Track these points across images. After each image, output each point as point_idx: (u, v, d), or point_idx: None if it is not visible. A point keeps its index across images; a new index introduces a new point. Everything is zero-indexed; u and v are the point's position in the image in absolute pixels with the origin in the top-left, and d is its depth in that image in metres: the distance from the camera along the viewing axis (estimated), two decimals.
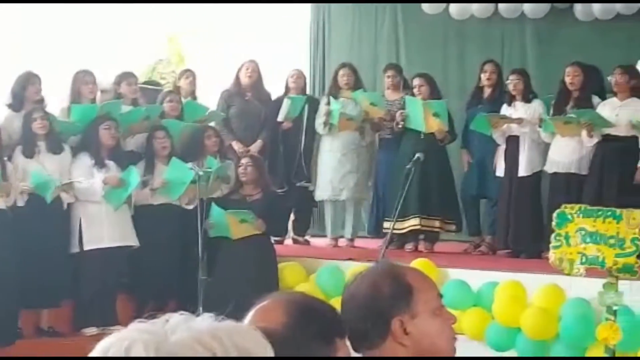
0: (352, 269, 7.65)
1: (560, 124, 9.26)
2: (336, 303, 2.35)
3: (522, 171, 9.54)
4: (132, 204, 8.71)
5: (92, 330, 8.34)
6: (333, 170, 10.21)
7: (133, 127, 9.21)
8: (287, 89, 10.49)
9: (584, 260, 6.61)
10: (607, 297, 6.52)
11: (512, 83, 9.63)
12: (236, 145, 10.05)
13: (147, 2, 13.06)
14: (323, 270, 8.96)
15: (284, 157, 10.36)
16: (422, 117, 9.68)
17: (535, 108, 9.54)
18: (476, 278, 8.39)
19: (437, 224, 9.87)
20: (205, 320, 1.36)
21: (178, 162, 8.81)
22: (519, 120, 9.47)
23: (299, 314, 2.01)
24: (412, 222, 9.74)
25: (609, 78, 9.40)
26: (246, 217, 8.61)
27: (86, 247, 8.46)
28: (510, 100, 9.66)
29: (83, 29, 13.06)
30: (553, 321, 7.80)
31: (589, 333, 7.06)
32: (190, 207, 8.82)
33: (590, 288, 7.04)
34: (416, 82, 9.99)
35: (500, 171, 9.71)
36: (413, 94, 9.97)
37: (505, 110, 9.66)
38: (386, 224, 9.64)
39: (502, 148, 9.72)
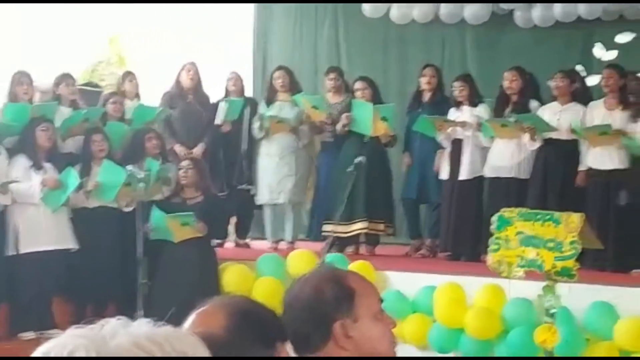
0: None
1: (498, 126, 9.35)
2: (278, 306, 2.34)
3: (464, 175, 9.61)
4: (69, 207, 8.63)
5: (29, 335, 8.23)
6: (271, 174, 10.21)
7: (72, 129, 9.13)
8: (227, 92, 10.47)
9: (522, 263, 6.66)
10: (546, 300, 6.59)
11: (457, 89, 9.70)
12: (178, 148, 10.00)
13: (88, 2, 12.93)
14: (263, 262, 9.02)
15: (225, 160, 10.33)
16: (370, 120, 9.70)
17: (480, 112, 9.61)
18: (416, 281, 8.43)
19: (381, 227, 9.90)
20: (142, 326, 1.34)
21: (111, 164, 8.74)
22: (463, 124, 9.54)
23: (239, 318, 2.00)
24: (360, 226, 9.75)
25: (549, 83, 9.51)
26: (188, 219, 8.58)
27: (23, 250, 8.35)
28: (457, 104, 9.73)
29: (23, 30, 12.92)
30: (496, 321, 7.86)
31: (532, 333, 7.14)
32: (129, 209, 8.76)
33: (528, 290, 7.11)
34: (359, 85, 10.01)
35: (444, 174, 9.77)
36: (354, 97, 9.99)
37: (452, 114, 9.72)
38: (327, 227, 9.65)
39: (446, 151, 9.78)
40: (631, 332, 7.40)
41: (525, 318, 7.57)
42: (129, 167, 8.57)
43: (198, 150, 10.02)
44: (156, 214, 8.59)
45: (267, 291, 8.37)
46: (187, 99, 10.19)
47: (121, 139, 9.25)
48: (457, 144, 9.70)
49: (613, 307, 7.62)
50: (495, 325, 7.87)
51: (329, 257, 8.38)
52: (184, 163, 8.98)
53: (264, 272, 8.95)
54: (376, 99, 10.01)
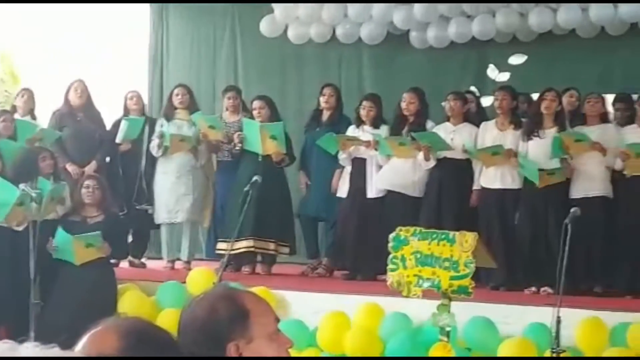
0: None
1: (396, 145, 9.42)
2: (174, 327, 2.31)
3: (370, 193, 9.64)
4: None
5: None
6: (168, 193, 10.12)
7: None
8: (127, 110, 10.37)
9: (420, 282, 6.72)
10: (440, 319, 6.65)
11: (365, 108, 9.73)
12: (70, 167, 9.86)
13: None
14: (163, 291, 8.90)
15: (124, 179, 10.22)
16: (259, 139, 9.70)
17: (381, 134, 9.66)
18: (313, 301, 8.43)
19: (271, 246, 9.87)
20: (29, 349, 1.31)
21: (3, 182, 8.57)
22: (368, 143, 9.57)
23: (133, 339, 1.97)
24: (246, 244, 9.70)
25: (443, 104, 9.64)
26: (93, 241, 8.43)
27: None
28: (358, 123, 9.77)
29: None
30: (374, 339, 7.90)
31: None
32: (20, 228, 8.57)
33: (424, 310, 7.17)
34: (256, 104, 10.00)
35: (342, 193, 9.80)
36: (253, 117, 9.98)
37: (351, 131, 9.77)
38: (221, 245, 9.61)
39: (346, 170, 9.82)
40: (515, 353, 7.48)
41: (403, 331, 7.67)
42: (22, 186, 8.42)
43: (90, 168, 9.89)
44: (61, 234, 8.45)
45: (173, 322, 8.26)
46: (78, 117, 10.05)
47: (12, 157, 9.08)
48: (357, 163, 9.74)
49: (492, 323, 7.71)
50: (374, 344, 7.89)
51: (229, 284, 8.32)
52: (89, 182, 8.85)
53: (165, 301, 8.78)
54: (274, 118, 10.01)
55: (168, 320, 8.29)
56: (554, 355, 6.60)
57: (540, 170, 8.79)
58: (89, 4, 12.17)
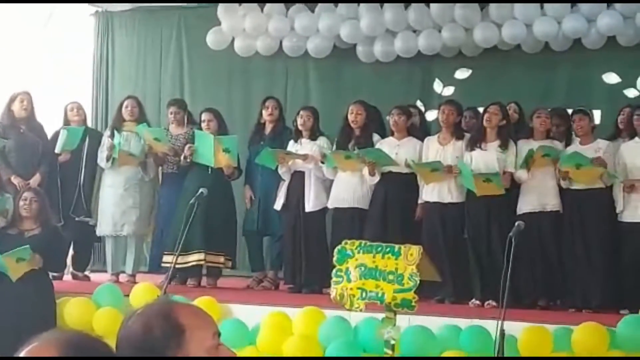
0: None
1: (342, 158, 9.44)
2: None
3: (308, 207, 9.65)
4: None
5: None
6: (114, 206, 10.06)
7: None
8: (67, 122, 10.29)
9: (364, 295, 6.73)
10: (385, 332, 6.66)
11: (302, 119, 9.75)
12: (15, 180, 9.77)
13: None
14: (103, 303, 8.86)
15: (62, 191, 10.13)
16: (212, 152, 9.67)
17: (320, 145, 9.69)
18: (258, 314, 8.41)
19: (221, 259, 9.86)
20: None
21: None
22: (305, 157, 9.60)
23: (71, 353, 1.94)
24: (197, 257, 9.69)
25: (387, 118, 9.68)
26: (22, 254, 8.30)
27: None
28: (297, 136, 9.79)
29: None
30: (314, 344, 7.91)
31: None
32: None
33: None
34: (205, 116, 9.97)
35: (278, 205, 9.80)
36: (201, 128, 9.94)
37: (291, 146, 9.78)
38: (166, 258, 9.56)
39: (285, 183, 9.82)
40: None
41: (342, 335, 7.69)
42: None
43: (34, 181, 9.80)
44: None
45: (107, 323, 8.25)
46: (21, 129, 9.95)
47: None
48: (297, 176, 9.75)
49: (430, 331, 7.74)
50: (315, 348, 7.90)
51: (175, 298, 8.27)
52: (27, 194, 8.73)
53: (102, 303, 8.79)
54: (222, 130, 10.01)
55: (104, 320, 8.35)
56: None
57: (477, 175, 8.83)
58: (33, 9, 12.03)
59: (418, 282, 6.64)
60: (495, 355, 6.69)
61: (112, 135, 10.12)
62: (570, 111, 9.48)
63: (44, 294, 8.56)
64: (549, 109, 9.47)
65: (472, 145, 9.10)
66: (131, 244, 10.25)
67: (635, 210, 8.77)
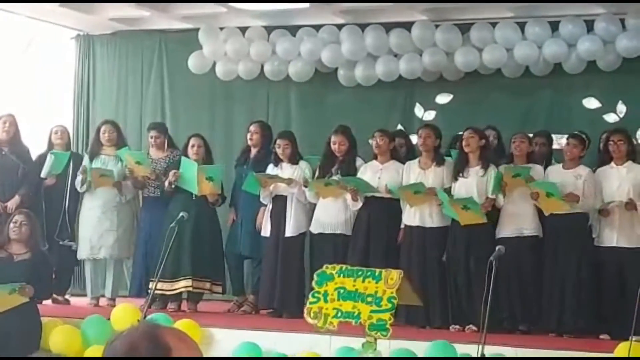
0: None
1: (322, 186, 9.45)
2: None
3: (289, 231, 9.64)
4: None
5: None
6: (92, 229, 10.04)
7: None
8: (51, 145, 10.27)
9: (338, 314, 6.72)
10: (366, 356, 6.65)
11: (280, 147, 9.75)
12: None
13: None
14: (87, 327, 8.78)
15: (47, 215, 10.10)
16: (196, 179, 9.65)
17: (301, 169, 9.69)
18: (239, 339, 8.38)
19: (207, 285, 9.84)
20: None
21: None
22: (289, 181, 9.58)
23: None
24: (184, 284, 9.68)
25: (370, 141, 9.68)
26: (13, 288, 8.14)
27: None
28: (277, 161, 9.78)
29: None
30: None
31: None
32: None
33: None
34: (194, 142, 9.97)
35: (265, 231, 9.79)
36: (185, 153, 9.92)
37: (271, 170, 9.78)
38: (151, 284, 9.49)
39: (268, 208, 9.80)
40: None
41: None
42: None
43: (13, 203, 9.78)
44: None
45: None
46: (3, 152, 9.93)
47: None
48: (279, 200, 9.74)
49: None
50: None
51: (154, 316, 8.23)
52: (18, 217, 8.67)
53: (90, 334, 8.68)
54: (208, 157, 10.02)
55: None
56: None
57: (455, 201, 8.82)
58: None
59: (395, 304, 6.64)
60: None
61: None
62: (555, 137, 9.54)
63: (30, 326, 8.37)
64: (531, 134, 9.53)
65: (456, 173, 9.12)
66: (110, 267, 10.21)
67: (611, 234, 8.80)
